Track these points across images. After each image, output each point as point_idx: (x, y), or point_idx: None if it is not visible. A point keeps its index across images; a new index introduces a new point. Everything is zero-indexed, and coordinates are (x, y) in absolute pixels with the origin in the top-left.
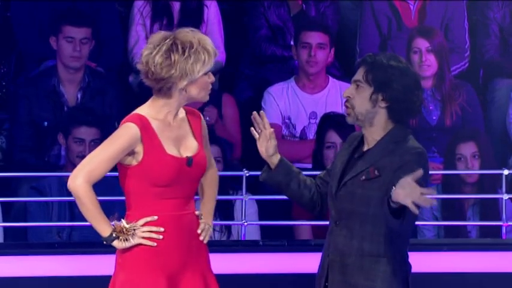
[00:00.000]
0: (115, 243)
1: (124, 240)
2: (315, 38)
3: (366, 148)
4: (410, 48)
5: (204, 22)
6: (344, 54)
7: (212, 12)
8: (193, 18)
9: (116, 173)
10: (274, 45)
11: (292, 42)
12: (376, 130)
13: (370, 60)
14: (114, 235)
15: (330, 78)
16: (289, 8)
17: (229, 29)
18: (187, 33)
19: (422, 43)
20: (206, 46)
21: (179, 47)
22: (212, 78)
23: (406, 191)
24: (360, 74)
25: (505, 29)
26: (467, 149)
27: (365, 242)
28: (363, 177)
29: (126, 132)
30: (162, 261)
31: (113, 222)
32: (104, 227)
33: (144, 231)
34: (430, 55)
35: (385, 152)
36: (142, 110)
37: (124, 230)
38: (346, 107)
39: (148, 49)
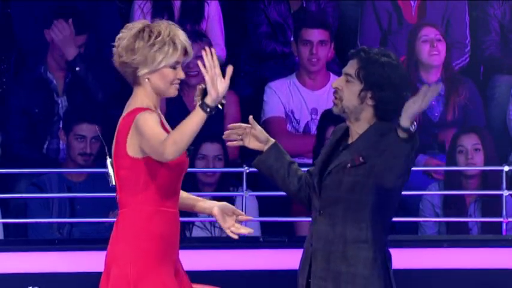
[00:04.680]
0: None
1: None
2: (316, 35)
3: (350, 141)
4: (417, 38)
5: (205, 19)
6: (345, 49)
7: (213, 9)
8: (194, 14)
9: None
10: (275, 42)
11: (292, 39)
12: (361, 125)
13: (365, 56)
14: (205, 102)
15: (331, 74)
16: (289, 5)
17: (230, 26)
18: (162, 24)
19: (431, 31)
20: (174, 40)
21: (146, 34)
22: (181, 75)
23: (410, 110)
24: (352, 68)
25: (506, 25)
26: (469, 140)
27: (348, 228)
28: (349, 165)
29: (153, 116)
30: (169, 257)
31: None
32: (198, 115)
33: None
34: (440, 43)
35: (370, 143)
36: (137, 104)
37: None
38: (335, 97)
39: (122, 32)
